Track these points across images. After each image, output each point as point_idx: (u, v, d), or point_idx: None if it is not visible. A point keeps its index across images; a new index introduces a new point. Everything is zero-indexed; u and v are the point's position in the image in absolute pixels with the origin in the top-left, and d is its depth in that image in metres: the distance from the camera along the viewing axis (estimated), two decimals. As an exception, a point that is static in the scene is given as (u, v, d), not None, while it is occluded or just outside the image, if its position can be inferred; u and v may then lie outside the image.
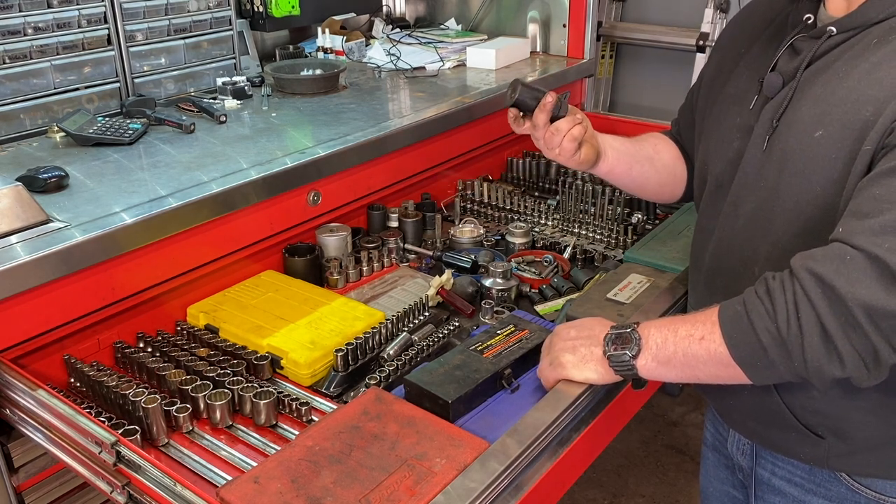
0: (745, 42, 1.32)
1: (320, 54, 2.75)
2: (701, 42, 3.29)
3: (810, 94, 1.11)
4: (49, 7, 1.93)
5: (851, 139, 1.03)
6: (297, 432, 1.30)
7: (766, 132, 1.16)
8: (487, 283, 1.73)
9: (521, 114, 1.40)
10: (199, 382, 1.37)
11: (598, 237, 2.02)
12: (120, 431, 1.23)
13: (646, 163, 1.51)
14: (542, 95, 1.35)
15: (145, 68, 2.16)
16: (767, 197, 1.15)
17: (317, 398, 1.42)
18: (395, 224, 2.09)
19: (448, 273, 1.76)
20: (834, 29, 1.11)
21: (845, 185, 1.04)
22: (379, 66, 2.65)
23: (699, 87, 1.45)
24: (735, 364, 1.04)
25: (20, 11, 1.87)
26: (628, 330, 1.14)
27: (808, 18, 1.17)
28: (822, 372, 0.98)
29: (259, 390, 1.36)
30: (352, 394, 1.43)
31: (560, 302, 1.71)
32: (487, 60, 2.62)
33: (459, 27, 3.05)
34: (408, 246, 2.02)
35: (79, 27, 1.99)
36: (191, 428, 1.33)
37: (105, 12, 2.03)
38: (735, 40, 1.35)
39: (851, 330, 0.95)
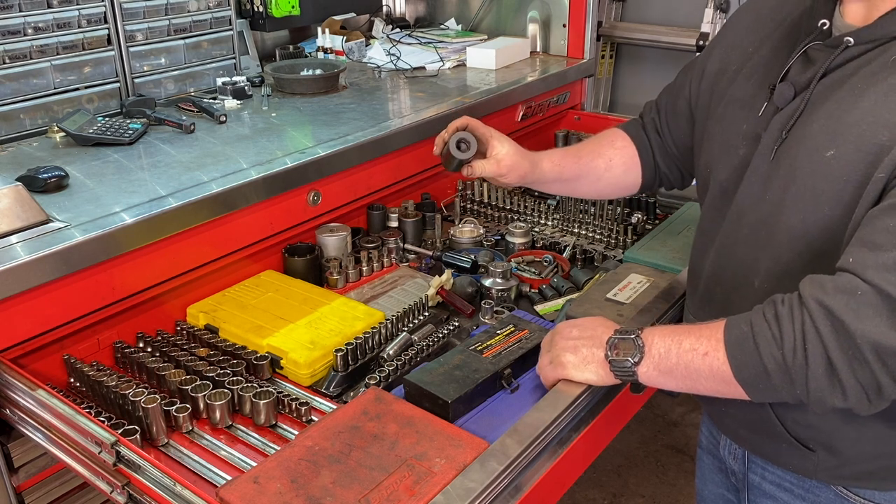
0: (753, 41, 1.27)
1: (320, 54, 2.74)
2: (701, 42, 3.29)
3: (823, 110, 1.07)
4: (49, 7, 1.92)
5: (865, 163, 1.00)
6: (296, 432, 1.30)
7: (775, 142, 1.13)
8: (487, 283, 1.73)
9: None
10: (198, 382, 1.37)
11: (598, 237, 2.02)
12: (119, 431, 1.23)
13: (583, 186, 1.55)
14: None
15: (145, 68, 2.16)
16: (772, 211, 1.12)
17: (316, 398, 1.43)
18: (394, 224, 2.09)
19: (448, 273, 1.76)
20: (851, 40, 1.07)
21: (854, 209, 1.02)
22: (379, 66, 2.65)
23: (699, 79, 1.38)
24: (737, 383, 1.04)
25: (20, 11, 1.87)
26: (632, 336, 1.13)
27: (824, 24, 1.12)
28: (823, 401, 0.98)
29: (259, 390, 1.36)
30: (351, 394, 1.43)
31: (560, 302, 1.71)
32: (487, 60, 2.61)
33: (459, 27, 3.05)
34: (407, 246, 2.02)
35: (79, 27, 1.99)
36: (190, 428, 1.33)
37: (105, 12, 2.03)
38: (742, 37, 1.30)
39: (858, 365, 0.94)
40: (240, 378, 1.40)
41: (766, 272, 1.15)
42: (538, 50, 2.88)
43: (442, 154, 1.48)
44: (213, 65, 2.33)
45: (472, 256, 1.85)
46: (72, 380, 1.50)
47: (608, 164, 1.52)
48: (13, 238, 1.39)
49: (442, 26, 3.08)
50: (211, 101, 2.16)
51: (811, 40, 1.13)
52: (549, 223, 2.11)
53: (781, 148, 1.12)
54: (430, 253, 1.96)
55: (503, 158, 1.45)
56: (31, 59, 1.92)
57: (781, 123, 1.13)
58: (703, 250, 1.31)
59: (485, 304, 1.67)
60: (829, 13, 1.13)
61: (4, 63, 1.87)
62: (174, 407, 1.32)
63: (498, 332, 1.43)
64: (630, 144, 1.53)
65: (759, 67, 1.23)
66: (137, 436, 1.25)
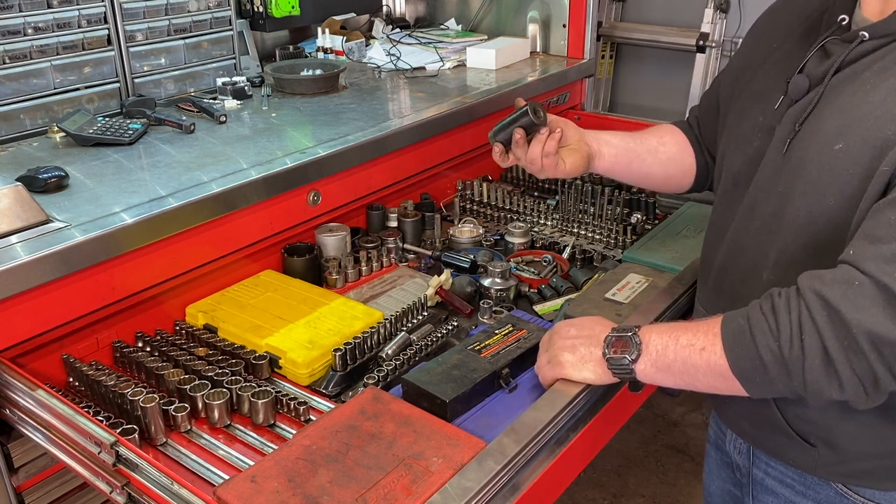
0: (777, 36, 1.28)
1: (320, 54, 2.75)
2: (701, 42, 3.29)
3: (835, 104, 1.08)
4: (49, 7, 1.93)
5: (870, 157, 1.01)
6: (294, 432, 1.31)
7: (788, 135, 1.13)
8: (486, 282, 1.73)
9: (506, 150, 1.49)
10: (197, 382, 1.38)
11: (598, 237, 2.02)
12: (118, 431, 1.23)
13: (648, 156, 1.52)
14: (513, 129, 1.44)
15: (145, 68, 2.17)
16: (782, 203, 1.13)
17: (315, 398, 1.43)
18: (394, 224, 2.09)
19: (447, 273, 1.76)
20: (866, 34, 1.08)
21: (859, 202, 1.02)
22: (379, 66, 2.65)
23: (728, 74, 1.40)
24: (734, 377, 1.04)
25: (20, 11, 1.88)
26: (629, 334, 1.14)
27: (843, 20, 1.13)
28: (820, 393, 0.98)
29: (257, 390, 1.36)
30: (350, 393, 1.44)
31: (559, 302, 1.71)
32: (487, 60, 2.62)
33: (459, 27, 3.05)
34: (407, 246, 2.02)
35: (79, 27, 1.99)
36: (189, 427, 1.34)
37: (105, 12, 2.03)
38: (768, 32, 1.32)
39: (854, 355, 0.94)
40: (238, 377, 1.41)
41: (773, 265, 1.15)
42: (538, 50, 2.88)
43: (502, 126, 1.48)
44: (213, 65, 2.33)
45: (472, 256, 1.85)
46: (70, 379, 1.51)
47: (660, 140, 1.53)
48: (13, 238, 1.40)
49: (442, 26, 3.08)
50: (211, 101, 2.17)
51: (829, 34, 1.14)
52: (549, 223, 2.11)
53: (794, 141, 1.12)
54: (430, 253, 1.97)
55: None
56: (31, 59, 1.92)
57: (795, 116, 1.13)
58: (714, 242, 1.32)
59: (484, 303, 1.67)
60: (850, 9, 1.14)
61: (4, 63, 1.88)
62: (173, 406, 1.33)
63: (496, 331, 1.43)
64: (679, 131, 1.55)
65: (779, 62, 1.24)
66: (136, 435, 1.26)
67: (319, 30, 2.78)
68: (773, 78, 1.23)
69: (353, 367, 1.47)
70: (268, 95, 2.27)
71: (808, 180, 1.08)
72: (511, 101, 2.38)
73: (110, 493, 1.14)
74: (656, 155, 1.52)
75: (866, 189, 1.01)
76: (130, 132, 1.88)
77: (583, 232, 2.04)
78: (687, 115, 1.59)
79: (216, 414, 1.34)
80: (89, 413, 1.29)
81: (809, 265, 1.04)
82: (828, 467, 1.18)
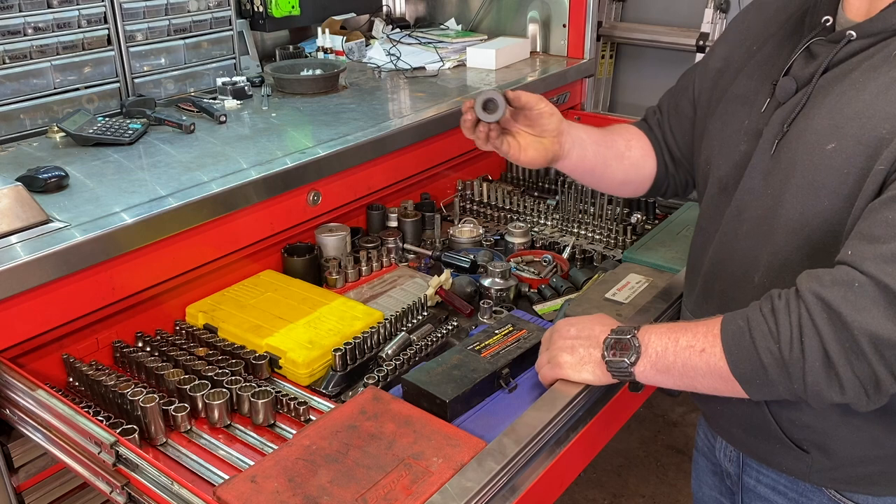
0: (756, 39, 1.27)
1: (320, 54, 2.75)
2: (701, 42, 3.29)
3: (825, 104, 1.07)
4: (49, 7, 1.93)
5: (864, 156, 1.00)
6: (294, 432, 1.30)
7: (776, 136, 1.13)
8: (486, 282, 1.73)
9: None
10: (197, 382, 1.38)
11: (598, 237, 2.02)
12: (118, 431, 1.23)
13: (613, 162, 1.46)
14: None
15: (145, 68, 2.17)
16: (772, 205, 1.12)
17: (315, 398, 1.43)
18: (394, 224, 2.09)
19: (447, 273, 1.76)
20: (854, 34, 1.07)
21: (854, 202, 1.02)
22: (379, 66, 2.65)
23: (703, 76, 1.38)
24: (734, 379, 1.03)
25: (20, 11, 1.88)
26: (628, 336, 1.13)
27: (827, 21, 1.13)
28: (821, 395, 0.98)
29: (257, 390, 1.36)
30: (350, 393, 1.44)
31: (559, 302, 1.71)
32: (487, 60, 2.62)
33: (459, 27, 3.05)
34: (407, 246, 2.03)
35: (79, 27, 1.99)
36: (189, 427, 1.34)
37: (105, 12, 2.03)
38: (746, 35, 1.30)
39: (855, 357, 0.94)
40: (238, 377, 1.41)
41: (765, 267, 1.14)
42: (538, 50, 2.88)
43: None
44: (213, 65, 2.33)
45: (472, 256, 1.85)
46: (70, 379, 1.51)
47: (627, 144, 1.47)
48: (13, 238, 1.40)
49: (442, 26, 3.08)
50: (211, 101, 2.17)
51: (814, 36, 1.14)
52: (549, 223, 2.11)
53: (782, 142, 1.12)
54: (430, 253, 1.97)
55: (539, 99, 1.35)
56: (31, 59, 1.92)
57: (783, 118, 1.13)
58: (702, 247, 1.30)
59: (484, 303, 1.67)
60: (833, 9, 1.13)
61: (4, 63, 1.88)
62: (173, 406, 1.33)
63: (496, 331, 1.43)
64: (643, 134, 1.51)
65: (761, 64, 1.23)
66: (136, 435, 1.26)
67: (319, 30, 2.78)
68: (757, 81, 1.22)
69: (353, 367, 1.47)
70: (268, 95, 2.27)
71: (800, 182, 1.07)
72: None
73: (110, 493, 1.14)
74: (621, 160, 1.46)
75: (861, 188, 1.01)
76: (130, 132, 1.88)
77: (583, 232, 2.04)
78: (644, 117, 1.53)
79: (216, 414, 1.34)
80: (89, 413, 1.29)
81: (804, 266, 1.03)
82: (821, 473, 1.18)
